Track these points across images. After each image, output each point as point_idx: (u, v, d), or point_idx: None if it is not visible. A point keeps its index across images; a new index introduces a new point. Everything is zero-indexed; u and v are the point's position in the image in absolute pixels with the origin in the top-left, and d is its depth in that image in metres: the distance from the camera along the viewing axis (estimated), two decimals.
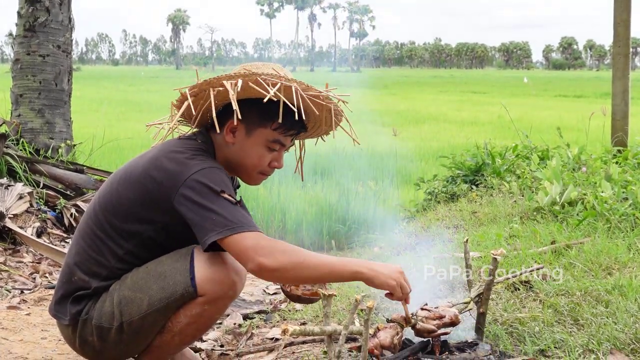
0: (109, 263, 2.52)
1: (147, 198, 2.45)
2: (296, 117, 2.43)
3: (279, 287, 4.69)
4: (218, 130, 2.45)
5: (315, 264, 2.34)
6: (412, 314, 2.64)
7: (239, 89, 2.38)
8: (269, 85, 2.40)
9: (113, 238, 2.52)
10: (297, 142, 2.81)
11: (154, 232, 2.49)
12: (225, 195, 2.33)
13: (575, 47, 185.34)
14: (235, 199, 2.35)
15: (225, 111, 2.51)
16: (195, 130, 2.71)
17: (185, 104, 2.47)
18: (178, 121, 2.66)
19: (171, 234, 2.50)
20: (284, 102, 2.40)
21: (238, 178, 2.78)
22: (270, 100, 2.41)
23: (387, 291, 2.46)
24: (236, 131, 2.56)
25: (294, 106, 2.41)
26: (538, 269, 3.15)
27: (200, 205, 2.32)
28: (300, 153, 2.86)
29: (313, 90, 2.51)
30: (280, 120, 2.43)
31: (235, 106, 2.35)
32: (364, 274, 2.37)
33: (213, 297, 2.45)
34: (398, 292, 2.45)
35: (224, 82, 2.42)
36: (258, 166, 2.61)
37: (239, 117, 2.38)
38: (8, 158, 5.94)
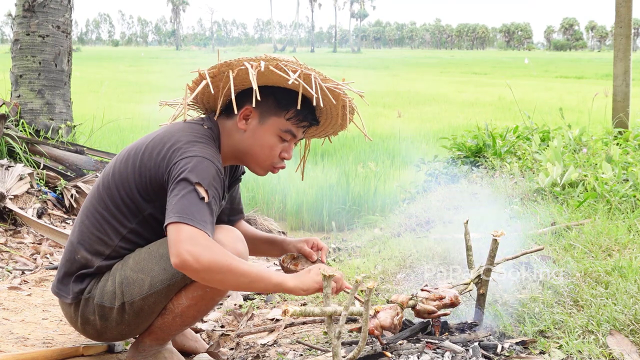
0: (113, 242, 2.54)
1: (148, 177, 2.46)
2: (313, 104, 2.45)
3: (279, 268, 4.71)
4: (235, 111, 2.46)
5: (241, 272, 2.27)
6: (412, 295, 2.65)
7: (261, 69, 2.38)
8: (289, 71, 2.41)
9: (116, 217, 2.53)
10: (302, 142, 2.82)
11: (156, 210, 2.50)
12: (198, 188, 2.29)
13: (576, 28, 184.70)
14: (207, 195, 2.30)
15: (238, 98, 2.50)
16: (203, 115, 2.72)
17: (203, 82, 2.47)
18: (189, 106, 2.67)
19: None
20: (298, 92, 2.42)
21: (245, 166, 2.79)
22: (285, 89, 2.44)
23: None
24: (249, 118, 2.56)
25: (311, 95, 2.43)
26: (538, 250, 3.15)
27: (172, 190, 2.32)
28: (305, 153, 2.86)
29: (331, 81, 2.52)
30: (298, 107, 2.44)
31: (255, 86, 2.36)
32: (288, 286, 2.34)
33: None
34: (332, 286, 2.42)
35: (245, 62, 2.42)
36: (269, 157, 2.60)
37: (258, 98, 2.38)
38: (8, 139, 5.95)
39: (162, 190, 2.41)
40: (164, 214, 2.46)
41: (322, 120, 2.72)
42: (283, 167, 2.68)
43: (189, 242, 2.20)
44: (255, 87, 2.36)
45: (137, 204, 2.51)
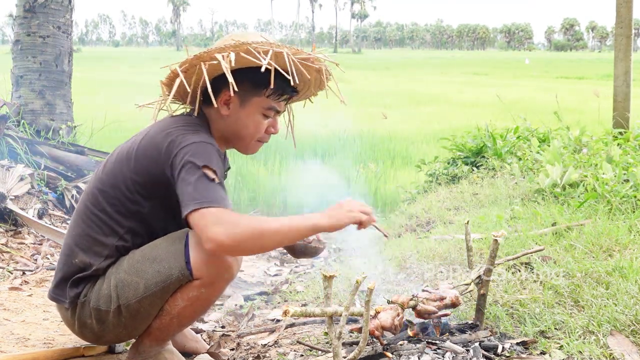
0: (110, 242, 2.53)
1: (145, 174, 2.46)
2: (291, 83, 2.45)
3: (280, 268, 4.71)
4: (215, 105, 2.47)
5: (274, 230, 2.31)
6: (413, 295, 2.65)
7: (233, 63, 2.37)
8: (260, 54, 2.40)
9: (113, 217, 2.53)
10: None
11: (154, 207, 2.50)
12: (206, 171, 2.31)
13: (577, 28, 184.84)
14: (216, 176, 2.32)
15: (215, 84, 2.49)
16: (189, 107, 2.72)
17: (178, 81, 2.47)
18: (173, 101, 2.66)
19: (170, 209, 2.50)
20: (275, 69, 2.41)
21: (233, 156, 2.80)
22: (261, 68, 2.40)
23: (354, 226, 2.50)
24: (230, 103, 2.56)
25: (286, 72, 2.43)
26: (539, 250, 3.15)
27: (182, 179, 2.32)
28: (289, 117, 2.86)
29: (303, 53, 2.53)
30: (272, 86, 2.45)
31: (230, 79, 2.35)
32: (323, 225, 2.39)
33: (209, 280, 2.46)
34: (365, 218, 2.48)
35: (216, 55, 2.41)
36: (255, 134, 2.62)
37: (235, 89, 2.38)
38: (9, 139, 5.95)
39: (162, 186, 2.42)
40: (164, 210, 2.50)
41: (300, 88, 2.71)
42: (267, 141, 2.70)
43: (215, 224, 2.22)
44: (230, 79, 2.36)
45: (135, 202, 2.51)
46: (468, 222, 2.84)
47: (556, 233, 3.84)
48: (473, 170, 6.31)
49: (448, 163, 6.76)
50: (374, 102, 19.31)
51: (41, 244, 4.91)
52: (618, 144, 5.70)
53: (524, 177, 5.34)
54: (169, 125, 2.49)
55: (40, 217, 5.32)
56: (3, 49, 41.85)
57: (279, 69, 2.42)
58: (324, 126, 11.05)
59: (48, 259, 4.68)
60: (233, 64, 2.38)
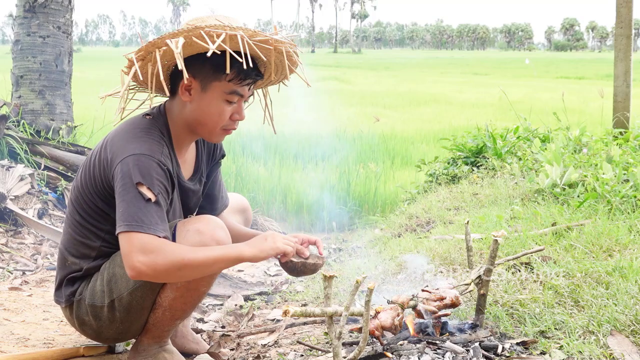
0: (95, 244, 2.58)
1: (99, 182, 2.48)
2: (244, 66, 2.36)
3: (280, 268, 4.71)
4: (167, 93, 2.43)
5: (197, 263, 2.32)
6: (413, 295, 2.65)
7: (179, 49, 2.27)
8: (212, 37, 2.32)
9: (90, 222, 2.57)
10: (260, 91, 2.78)
11: None
12: (141, 189, 2.29)
13: (577, 28, 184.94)
14: (152, 193, 2.31)
15: (176, 70, 2.45)
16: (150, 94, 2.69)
17: (133, 70, 2.40)
18: (135, 88, 2.63)
19: None
20: (232, 52, 2.32)
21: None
22: (220, 52, 2.32)
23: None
24: (191, 88, 2.49)
25: (240, 55, 2.32)
26: (539, 250, 3.15)
27: (118, 194, 2.33)
28: (266, 101, 2.79)
29: (260, 35, 2.43)
30: (227, 71, 2.37)
31: (180, 65, 2.26)
32: (246, 256, 2.44)
33: None
34: (289, 249, 2.54)
35: (167, 41, 2.33)
36: (219, 122, 2.54)
37: (187, 75, 2.30)
38: (9, 139, 5.95)
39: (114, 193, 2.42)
40: None
41: (266, 71, 2.63)
42: (234, 129, 2.64)
43: (140, 251, 2.23)
44: (181, 66, 2.26)
45: (102, 208, 2.53)
46: (468, 222, 2.84)
47: (556, 233, 3.84)
48: (473, 170, 6.31)
49: (448, 163, 6.75)
50: (374, 102, 19.31)
51: (41, 244, 4.91)
52: (618, 144, 5.70)
53: (524, 177, 5.34)
54: (117, 133, 2.49)
55: (40, 217, 5.33)
56: (3, 49, 41.85)
57: (232, 52, 2.32)
58: (324, 126, 11.05)
59: (48, 259, 4.69)
60: (179, 50, 2.28)
